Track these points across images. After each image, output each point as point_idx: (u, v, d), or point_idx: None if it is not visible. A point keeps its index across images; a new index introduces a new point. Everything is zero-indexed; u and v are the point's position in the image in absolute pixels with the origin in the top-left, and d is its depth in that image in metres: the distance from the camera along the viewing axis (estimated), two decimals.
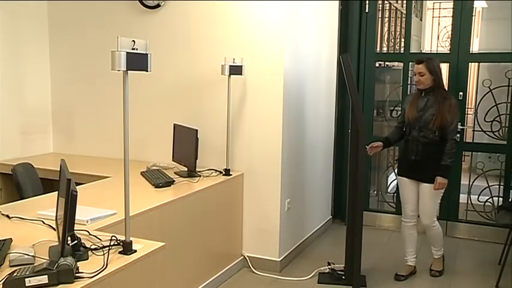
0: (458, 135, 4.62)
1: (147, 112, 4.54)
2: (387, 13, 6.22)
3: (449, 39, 5.72)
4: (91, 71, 4.84)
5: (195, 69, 4.40)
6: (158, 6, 4.48)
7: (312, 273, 4.27)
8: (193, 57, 4.40)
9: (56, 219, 2.50)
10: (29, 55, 4.85)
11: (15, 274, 1.93)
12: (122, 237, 2.37)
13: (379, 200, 6.00)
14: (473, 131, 5.41)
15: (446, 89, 4.29)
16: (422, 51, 7.75)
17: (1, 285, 1.91)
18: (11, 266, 2.10)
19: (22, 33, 4.76)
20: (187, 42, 4.41)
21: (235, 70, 4.07)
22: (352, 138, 4.12)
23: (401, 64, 5.60)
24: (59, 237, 2.26)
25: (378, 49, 5.78)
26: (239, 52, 4.17)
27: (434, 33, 7.74)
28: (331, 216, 5.74)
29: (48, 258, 2.15)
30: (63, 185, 2.24)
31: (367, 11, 5.47)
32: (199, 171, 3.99)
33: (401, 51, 6.05)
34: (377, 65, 5.72)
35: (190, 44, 4.40)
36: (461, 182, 5.35)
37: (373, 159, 5.70)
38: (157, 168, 4.15)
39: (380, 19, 5.83)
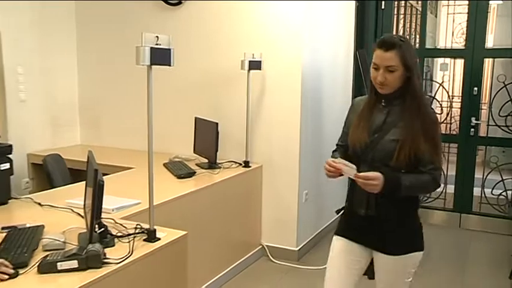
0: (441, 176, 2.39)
1: (169, 106, 4.55)
2: (402, 10, 6.16)
3: (463, 36, 5.64)
4: (116, 66, 4.86)
5: (216, 65, 4.41)
6: (180, 3, 4.49)
7: None
8: (214, 52, 4.40)
9: (84, 208, 2.53)
10: (57, 52, 4.89)
11: (48, 258, 1.98)
12: (146, 226, 2.39)
13: None
14: (488, 125, 5.33)
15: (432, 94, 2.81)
16: (437, 47, 7.67)
17: (37, 267, 1.95)
18: (44, 251, 2.15)
19: (51, 31, 4.81)
20: (208, 38, 4.41)
21: (255, 65, 4.07)
22: None
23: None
24: (87, 225, 2.30)
25: None
26: (258, 48, 4.16)
27: (448, 30, 7.63)
28: None
29: (77, 244, 2.19)
30: (90, 175, 2.27)
31: (383, 7, 5.43)
32: (219, 163, 4.00)
33: (417, 47, 5.99)
34: None
35: (210, 40, 4.41)
36: (476, 176, 5.29)
37: None
38: (179, 160, 4.17)
39: (395, 16, 5.78)
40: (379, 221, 2.25)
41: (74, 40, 5.04)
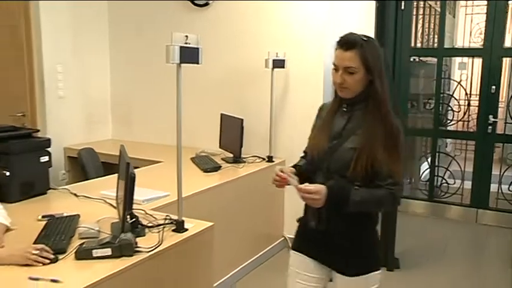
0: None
1: (196, 102, 4.57)
2: (422, 10, 6.07)
3: (481, 36, 5.55)
4: (146, 65, 4.90)
5: (241, 63, 4.41)
6: (207, 4, 4.50)
7: None
8: (239, 51, 4.40)
9: (116, 199, 2.56)
10: (92, 51, 4.95)
11: (84, 245, 2.01)
12: (175, 217, 2.41)
13: (413, 187, 5.91)
14: (505, 123, 5.25)
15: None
16: (454, 47, 7.55)
17: (74, 254, 2.00)
18: (80, 238, 2.19)
19: (86, 31, 4.86)
20: (233, 37, 4.42)
21: (278, 63, 4.06)
22: None
23: (435, 59, 5.48)
24: (119, 215, 2.32)
25: (413, 44, 5.65)
26: (282, 47, 4.15)
27: (466, 30, 7.51)
28: None
29: (110, 233, 2.22)
30: (122, 168, 2.29)
31: (402, 8, 5.36)
32: (244, 158, 4.01)
33: (435, 47, 5.90)
34: (411, 59, 5.61)
35: (236, 40, 4.41)
36: (493, 172, 5.20)
37: (406, 149, 5.60)
38: (206, 154, 4.19)
39: (415, 16, 5.70)
40: (330, 235, 1.96)
41: (106, 40, 5.09)
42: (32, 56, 4.35)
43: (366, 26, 5.15)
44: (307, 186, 1.84)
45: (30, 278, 1.79)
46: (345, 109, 1.98)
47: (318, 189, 1.82)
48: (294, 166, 2.12)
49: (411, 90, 5.64)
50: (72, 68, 4.70)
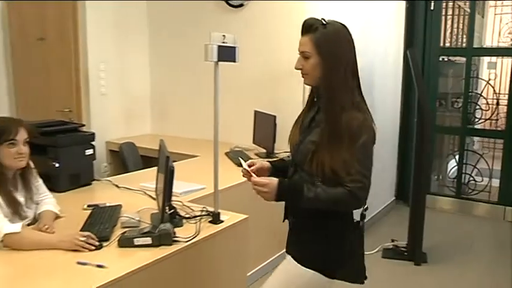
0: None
1: (231, 99, 4.57)
2: (451, 11, 5.93)
3: (510, 35, 5.39)
4: (184, 63, 4.92)
5: (274, 62, 4.38)
6: (241, 5, 4.49)
7: (377, 248, 4.18)
8: (272, 51, 4.37)
9: (156, 191, 2.59)
10: (132, 50, 5.00)
11: (126, 234, 2.04)
12: (211, 209, 2.42)
13: (440, 184, 5.81)
14: None
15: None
16: (483, 46, 7.35)
17: (117, 242, 2.04)
18: (122, 227, 2.23)
19: (127, 30, 4.92)
20: (267, 37, 4.39)
21: None
22: (418, 126, 3.97)
23: (464, 58, 5.35)
24: (158, 206, 2.35)
25: (442, 44, 5.54)
26: None
27: (495, 29, 7.31)
28: (394, 198, 5.59)
29: (150, 223, 2.24)
30: (162, 162, 2.31)
31: (432, 8, 5.25)
32: (276, 153, 3.97)
33: (464, 46, 5.76)
34: (440, 59, 5.49)
35: (269, 39, 4.38)
36: None
37: (435, 146, 5.50)
38: (240, 149, 4.19)
39: (444, 16, 5.58)
40: (296, 229, 1.89)
41: (146, 39, 5.13)
42: (78, 56, 4.44)
43: (395, 25, 5.08)
44: (260, 179, 1.75)
45: (78, 263, 1.84)
46: (315, 99, 1.84)
47: (267, 182, 1.72)
48: (281, 159, 2.05)
49: (440, 89, 5.52)
50: (114, 66, 4.77)
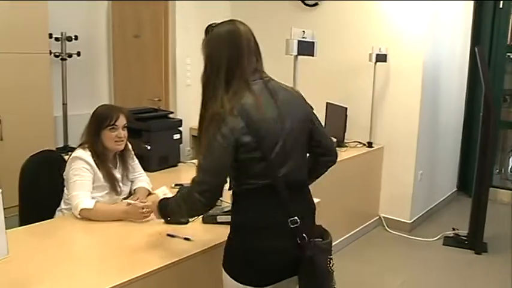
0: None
1: (305, 91, 4.48)
2: None
3: None
4: (263, 54, 4.86)
5: (346, 57, 4.26)
6: (316, 4, 4.40)
7: (438, 236, 3.99)
8: (344, 46, 4.26)
9: None
10: None
11: (210, 212, 2.04)
12: None
13: (502, 177, 5.45)
14: None
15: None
16: None
17: (201, 218, 2.05)
18: None
19: (211, 20, 4.94)
20: (339, 34, 4.27)
21: (381, 58, 3.89)
22: (483, 121, 3.71)
23: None
24: None
25: (508, 42, 5.13)
26: (384, 42, 3.96)
27: None
28: (456, 189, 5.30)
29: (230, 203, 2.24)
30: None
31: (501, 6, 4.88)
32: (346, 143, 3.91)
33: None
34: (506, 56, 5.10)
35: (342, 35, 4.26)
36: None
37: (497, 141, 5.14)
38: None
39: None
40: None
41: None
42: (168, 50, 4.54)
43: (463, 23, 4.78)
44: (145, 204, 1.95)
45: (168, 235, 1.87)
46: None
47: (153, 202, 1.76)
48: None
49: (505, 86, 5.15)
50: (198, 60, 4.80)
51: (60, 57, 4.47)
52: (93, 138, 2.21)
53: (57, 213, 2.25)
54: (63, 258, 1.74)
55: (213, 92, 1.55)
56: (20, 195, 2.34)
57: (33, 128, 3.89)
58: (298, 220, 1.48)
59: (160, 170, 2.96)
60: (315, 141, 1.66)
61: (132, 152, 2.44)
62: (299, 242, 1.48)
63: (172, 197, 1.69)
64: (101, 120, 2.20)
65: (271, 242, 1.48)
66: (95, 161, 2.18)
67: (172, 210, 1.62)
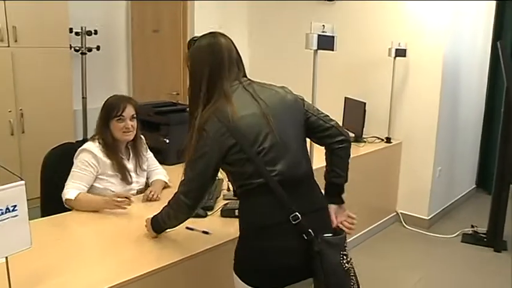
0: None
1: (323, 85, 4.44)
2: None
3: None
4: (280, 53, 4.83)
5: (365, 52, 4.21)
6: None
7: (456, 233, 3.93)
8: (363, 41, 4.20)
9: None
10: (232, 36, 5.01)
11: (228, 205, 2.06)
12: None
13: None
14: None
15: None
16: None
17: (220, 211, 2.07)
18: (224, 199, 2.26)
19: (228, 25, 4.93)
20: (358, 29, 4.21)
21: (400, 53, 3.84)
22: (504, 117, 3.63)
23: None
24: None
25: None
26: (404, 37, 3.90)
27: None
28: (475, 186, 5.21)
29: None
30: None
31: None
32: (364, 138, 3.87)
33: None
34: None
35: (360, 31, 4.21)
36: None
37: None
38: None
39: None
40: None
41: (245, 32, 5.07)
42: (186, 46, 4.53)
43: (484, 21, 4.68)
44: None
45: (187, 228, 1.87)
46: None
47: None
48: None
49: None
50: None
51: (80, 51, 4.51)
52: (102, 129, 2.24)
53: None
54: (83, 250, 1.76)
55: (197, 103, 1.56)
56: (42, 187, 2.37)
57: (53, 122, 3.94)
58: (299, 216, 1.45)
59: (177, 163, 2.95)
60: (316, 127, 1.66)
61: (146, 145, 2.45)
62: (305, 238, 1.45)
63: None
64: (109, 110, 2.22)
65: (272, 242, 1.46)
66: (104, 151, 2.20)
67: (162, 219, 1.71)
